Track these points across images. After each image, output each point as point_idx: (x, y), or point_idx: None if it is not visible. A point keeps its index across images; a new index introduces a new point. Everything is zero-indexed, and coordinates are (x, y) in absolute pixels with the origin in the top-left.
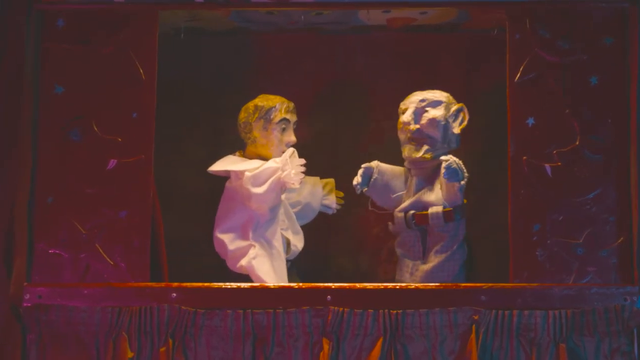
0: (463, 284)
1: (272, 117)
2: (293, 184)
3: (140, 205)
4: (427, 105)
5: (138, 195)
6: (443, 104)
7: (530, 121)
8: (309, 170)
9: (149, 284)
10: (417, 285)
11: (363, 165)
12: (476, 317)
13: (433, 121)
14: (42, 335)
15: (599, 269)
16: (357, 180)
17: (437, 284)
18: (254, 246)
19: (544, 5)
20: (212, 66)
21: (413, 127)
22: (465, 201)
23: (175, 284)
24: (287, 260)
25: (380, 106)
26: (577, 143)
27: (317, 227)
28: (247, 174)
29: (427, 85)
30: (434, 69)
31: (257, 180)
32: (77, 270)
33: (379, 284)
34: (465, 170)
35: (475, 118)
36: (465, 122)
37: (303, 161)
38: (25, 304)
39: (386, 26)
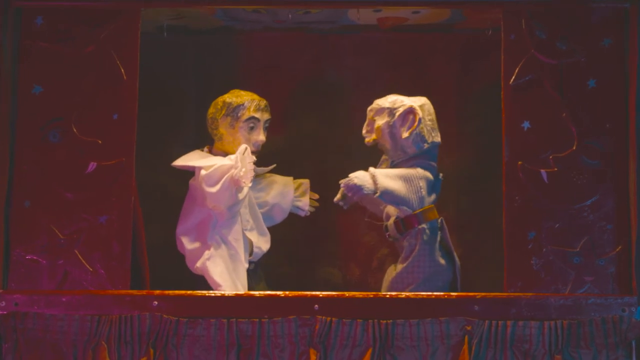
0: (455, 294)
1: (239, 114)
2: (244, 182)
3: (121, 210)
4: (375, 115)
5: (119, 200)
6: (386, 111)
7: (526, 125)
8: (295, 174)
9: (130, 291)
10: (407, 294)
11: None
12: (469, 328)
13: (379, 130)
14: (19, 343)
15: (596, 279)
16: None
17: (428, 293)
18: (210, 247)
19: (541, 5)
20: (196, 66)
21: (367, 139)
22: (418, 211)
23: (157, 292)
24: (251, 262)
25: None
26: (574, 148)
27: (305, 234)
28: (202, 172)
29: (418, 87)
30: (425, 70)
31: (211, 179)
32: (55, 277)
33: (368, 293)
34: (377, 181)
35: (469, 121)
36: (415, 124)
37: (254, 158)
38: (1, 312)
39: (377, 26)
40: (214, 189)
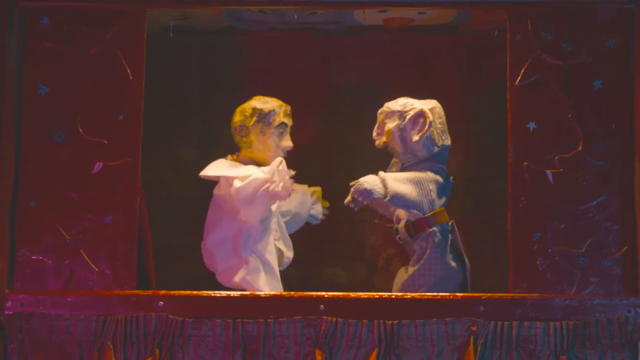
0: (461, 294)
1: (271, 120)
2: (282, 198)
3: (127, 210)
4: (385, 118)
5: (124, 200)
6: (396, 114)
7: (532, 126)
8: (301, 177)
9: (135, 292)
10: (413, 295)
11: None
12: (474, 328)
13: (389, 133)
14: (24, 344)
15: (602, 279)
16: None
17: (433, 294)
18: (247, 261)
19: (546, 6)
20: (202, 66)
21: (378, 142)
22: (428, 214)
23: (163, 292)
24: (280, 272)
25: (375, 109)
26: (580, 149)
27: (310, 234)
28: (237, 182)
29: (424, 88)
30: (431, 71)
31: (245, 193)
32: (60, 277)
33: (374, 294)
34: (388, 185)
35: (474, 122)
36: (426, 127)
37: (292, 172)
38: (6, 312)
39: (382, 26)
40: (248, 203)
